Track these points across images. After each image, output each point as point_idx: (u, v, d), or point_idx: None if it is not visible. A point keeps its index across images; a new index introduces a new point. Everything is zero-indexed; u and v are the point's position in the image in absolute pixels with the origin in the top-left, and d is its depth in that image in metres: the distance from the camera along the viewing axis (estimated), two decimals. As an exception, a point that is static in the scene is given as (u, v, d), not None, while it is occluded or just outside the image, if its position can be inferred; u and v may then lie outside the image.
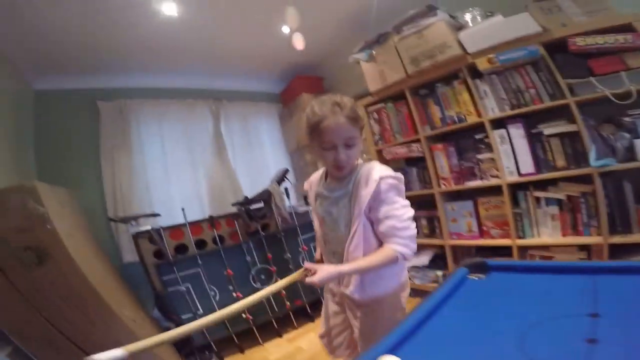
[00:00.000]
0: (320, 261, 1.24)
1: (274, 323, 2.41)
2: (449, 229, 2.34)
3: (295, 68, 3.44)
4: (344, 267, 1.01)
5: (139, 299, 2.41)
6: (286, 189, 2.71)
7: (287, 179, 2.68)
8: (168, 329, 2.18)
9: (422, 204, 2.59)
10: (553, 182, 1.89)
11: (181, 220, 2.40)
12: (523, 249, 2.02)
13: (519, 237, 2.02)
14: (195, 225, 2.47)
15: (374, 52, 2.50)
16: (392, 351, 0.69)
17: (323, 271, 0.97)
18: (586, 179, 1.75)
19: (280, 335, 2.40)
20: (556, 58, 1.81)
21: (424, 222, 2.54)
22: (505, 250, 2.07)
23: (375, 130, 2.69)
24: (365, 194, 1.00)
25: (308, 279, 0.97)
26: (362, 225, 1.02)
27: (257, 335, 2.33)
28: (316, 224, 1.19)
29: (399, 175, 1.04)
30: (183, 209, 2.39)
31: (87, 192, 2.58)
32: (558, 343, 0.64)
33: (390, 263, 0.99)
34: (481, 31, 2.02)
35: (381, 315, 1.09)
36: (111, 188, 2.61)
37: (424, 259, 2.52)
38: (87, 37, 2.21)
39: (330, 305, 1.25)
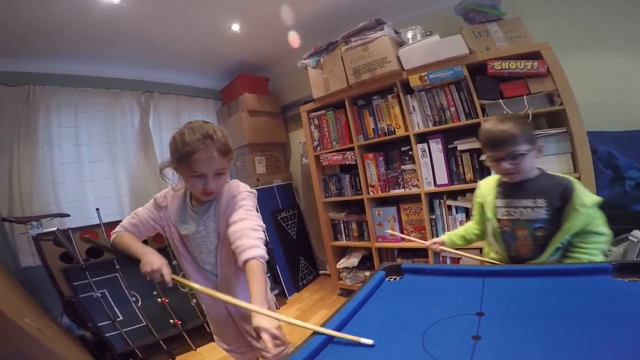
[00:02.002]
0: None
1: (207, 327, 2.24)
2: (376, 232, 2.51)
3: (240, 66, 3.32)
4: (257, 306, 0.89)
5: (44, 306, 2.12)
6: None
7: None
8: (83, 337, 1.99)
9: (353, 209, 2.73)
10: (462, 192, 2.15)
11: (96, 221, 2.18)
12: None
13: (434, 241, 2.26)
14: (112, 226, 2.24)
15: (321, 60, 2.55)
16: (318, 350, 0.75)
17: (265, 322, 0.83)
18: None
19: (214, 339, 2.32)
20: (476, 79, 2.02)
21: (354, 225, 2.68)
22: (423, 252, 2.30)
23: (315, 137, 2.76)
24: (227, 205, 1.10)
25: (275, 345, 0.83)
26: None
27: (189, 340, 2.21)
28: (175, 236, 1.18)
29: (254, 190, 1.16)
30: (97, 209, 2.17)
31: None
32: (450, 340, 0.73)
33: (264, 270, 0.99)
34: (417, 49, 2.16)
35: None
36: (7, 184, 2.23)
37: (354, 260, 2.66)
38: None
39: (221, 323, 1.29)
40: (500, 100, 1.94)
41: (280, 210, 3.17)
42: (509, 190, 1.19)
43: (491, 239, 1.26)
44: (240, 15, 2.46)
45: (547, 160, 1.86)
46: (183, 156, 1.01)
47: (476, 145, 2.05)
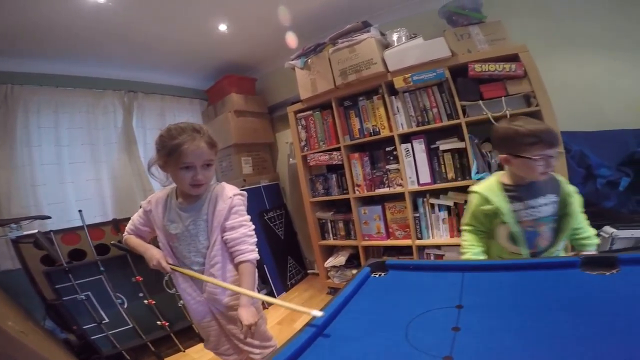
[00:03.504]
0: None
1: (195, 328, 2.23)
2: (362, 231, 2.55)
3: (226, 66, 3.30)
4: (246, 301, 1.12)
5: (26, 309, 2.07)
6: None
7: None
8: (67, 340, 1.97)
9: (340, 208, 2.77)
10: (444, 191, 2.22)
11: (78, 223, 2.14)
12: (421, 248, 2.32)
13: (418, 238, 2.32)
14: (95, 228, 2.23)
15: (309, 61, 2.57)
16: (303, 347, 0.76)
17: (246, 314, 1.09)
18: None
19: (203, 340, 2.31)
20: (457, 81, 2.07)
21: (341, 224, 2.72)
22: (408, 249, 2.36)
23: (302, 137, 2.77)
24: (222, 208, 1.15)
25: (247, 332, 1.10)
26: (220, 236, 1.17)
27: (177, 341, 2.20)
28: (161, 237, 1.23)
29: (245, 193, 1.24)
30: (80, 211, 2.13)
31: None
32: (432, 332, 0.77)
33: (255, 271, 1.18)
34: (402, 51, 2.21)
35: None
36: (-16, 186, 2.16)
37: (341, 259, 2.69)
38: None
39: (205, 325, 1.31)
40: (480, 102, 2.01)
41: (268, 210, 3.18)
42: (523, 192, 1.21)
43: (506, 242, 1.25)
44: (227, 16, 2.45)
45: (524, 160, 1.93)
46: (172, 149, 1.06)
47: (457, 145, 2.12)
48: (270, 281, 2.90)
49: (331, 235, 2.79)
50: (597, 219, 1.83)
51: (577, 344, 0.62)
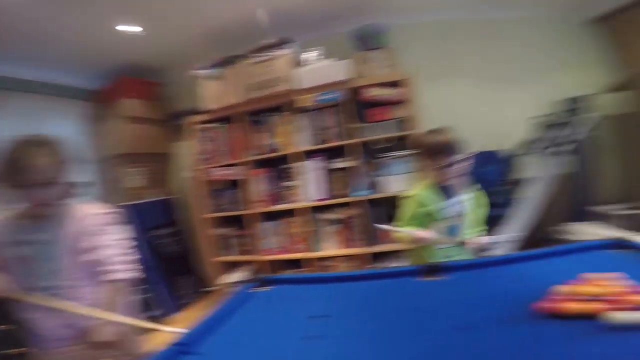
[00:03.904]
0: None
1: (54, 355, 1.91)
2: (263, 245, 2.58)
3: (126, 68, 2.96)
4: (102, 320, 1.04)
5: None
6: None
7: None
8: None
9: (241, 224, 2.74)
10: (337, 206, 2.42)
11: None
12: (318, 260, 2.46)
13: (314, 251, 2.46)
14: None
15: (222, 71, 2.52)
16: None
17: (97, 333, 1.04)
18: (357, 204, 2.33)
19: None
20: (353, 103, 2.28)
21: (242, 240, 2.70)
22: (305, 262, 2.47)
23: (204, 149, 2.68)
24: (78, 229, 1.09)
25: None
26: (76, 257, 1.09)
27: None
28: (7, 260, 1.09)
29: (113, 210, 1.19)
30: None
31: None
32: (296, 340, 0.83)
33: (125, 293, 1.14)
34: (310, 71, 2.33)
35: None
36: None
37: (242, 274, 2.65)
38: None
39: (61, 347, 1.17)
40: (370, 124, 2.27)
41: (160, 226, 2.95)
42: (445, 192, 1.38)
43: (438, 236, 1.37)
44: (134, 16, 2.27)
45: (399, 179, 2.25)
46: (11, 165, 0.96)
47: (349, 163, 2.35)
48: (162, 302, 2.68)
49: (232, 251, 2.73)
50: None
51: (407, 344, 0.74)
